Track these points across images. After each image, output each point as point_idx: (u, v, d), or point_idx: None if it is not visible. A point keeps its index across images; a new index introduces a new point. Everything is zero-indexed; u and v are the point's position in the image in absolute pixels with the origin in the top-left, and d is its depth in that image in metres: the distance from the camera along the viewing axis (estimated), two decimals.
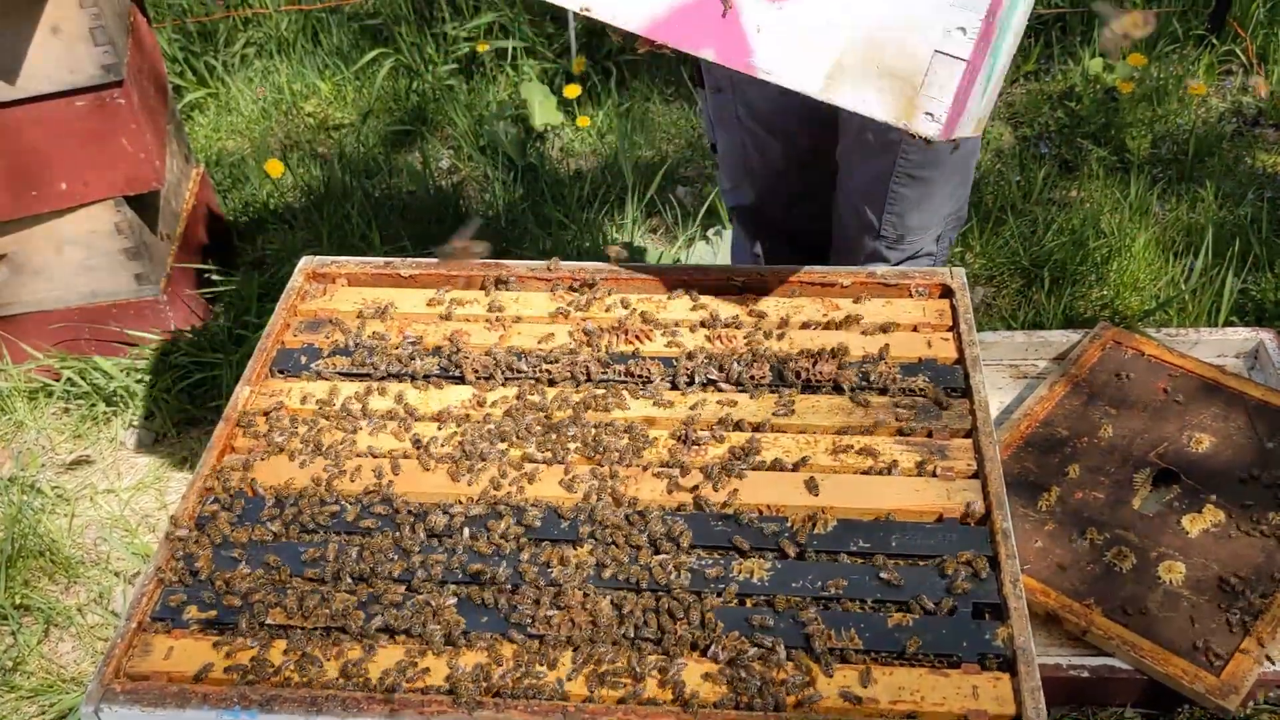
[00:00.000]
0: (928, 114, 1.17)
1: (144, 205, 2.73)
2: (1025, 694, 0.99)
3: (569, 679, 1.04)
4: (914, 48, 1.14)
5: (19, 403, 2.72)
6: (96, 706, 1.01)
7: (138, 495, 2.57)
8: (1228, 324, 2.72)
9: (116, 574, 2.37)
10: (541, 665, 1.04)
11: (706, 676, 1.04)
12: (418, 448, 1.32)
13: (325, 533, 1.18)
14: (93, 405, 2.73)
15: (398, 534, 1.18)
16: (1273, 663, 2.03)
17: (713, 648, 1.05)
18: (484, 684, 1.02)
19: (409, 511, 1.22)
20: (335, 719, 0.99)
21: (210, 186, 3.16)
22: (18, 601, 2.30)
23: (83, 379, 2.73)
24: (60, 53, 2.39)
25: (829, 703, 1.00)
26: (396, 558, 1.15)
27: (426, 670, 1.04)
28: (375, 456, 1.31)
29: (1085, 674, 2.05)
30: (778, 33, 1.18)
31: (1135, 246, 2.91)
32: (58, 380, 2.74)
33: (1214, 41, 3.65)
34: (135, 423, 2.71)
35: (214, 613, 1.10)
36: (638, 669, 1.04)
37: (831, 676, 1.03)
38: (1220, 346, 2.63)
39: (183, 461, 2.63)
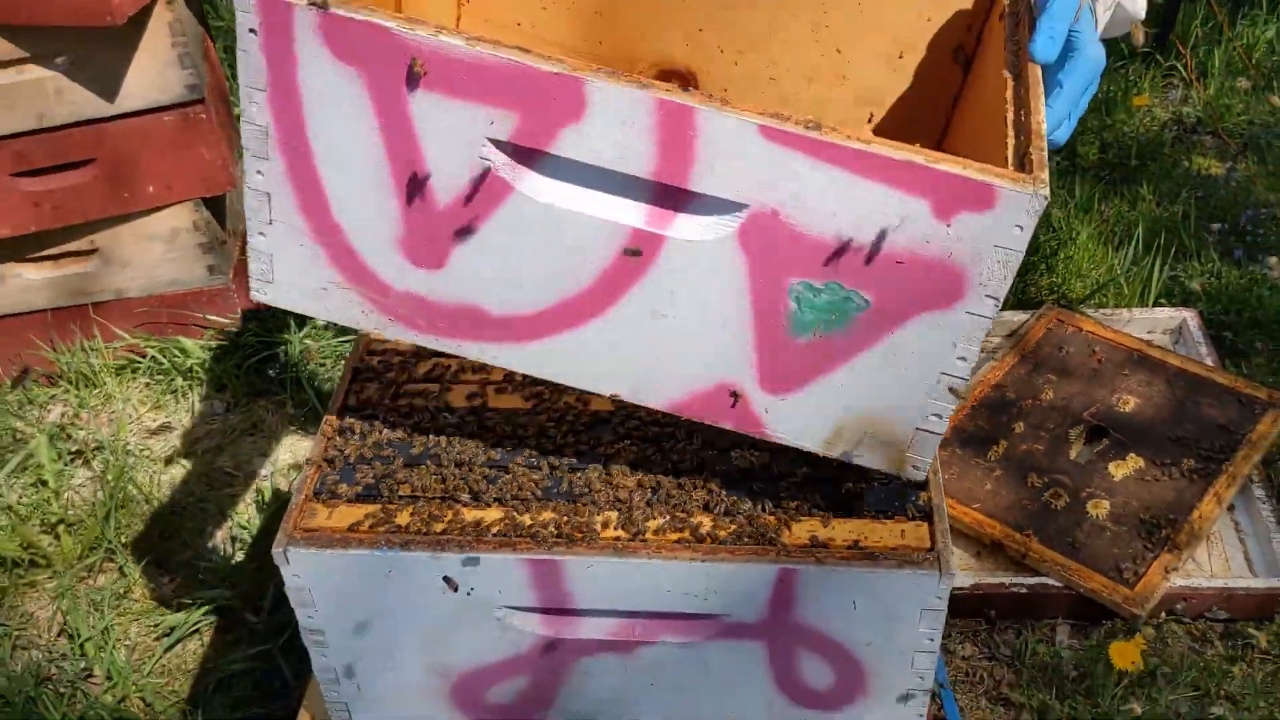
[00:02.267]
0: (914, 467, 1.40)
1: (215, 205, 3.13)
2: (938, 534, 1.39)
3: (617, 527, 1.44)
4: (901, 427, 1.36)
5: (108, 378, 3.12)
6: (284, 549, 1.41)
7: (214, 456, 2.96)
8: (1156, 305, 3.13)
9: (204, 518, 2.77)
10: (597, 520, 1.45)
11: (714, 524, 1.45)
12: (503, 379, 1.71)
13: (437, 435, 1.58)
14: (172, 380, 3.13)
15: (493, 434, 1.58)
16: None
17: (718, 506, 1.46)
18: (555, 531, 1.43)
19: (499, 418, 1.63)
20: (453, 554, 1.39)
21: None
22: (123, 541, 2.70)
23: (163, 356, 3.13)
24: (154, 76, 2.79)
25: (800, 540, 1.41)
26: (492, 449, 1.55)
27: (517, 524, 1.45)
28: (470, 383, 1.71)
29: (1024, 590, 2.45)
30: (784, 414, 1.38)
31: (1080, 239, 3.33)
32: (142, 358, 3.14)
33: (1158, 58, 4.08)
34: (210, 394, 3.11)
35: (359, 488, 1.50)
36: (665, 520, 1.45)
37: (800, 523, 1.44)
38: (1149, 324, 3.03)
39: (252, 426, 3.03)
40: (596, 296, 1.34)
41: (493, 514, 1.44)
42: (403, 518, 1.43)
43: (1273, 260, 3.29)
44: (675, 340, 1.35)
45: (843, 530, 1.40)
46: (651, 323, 1.34)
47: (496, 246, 1.32)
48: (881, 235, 1.22)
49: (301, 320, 3.17)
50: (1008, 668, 2.36)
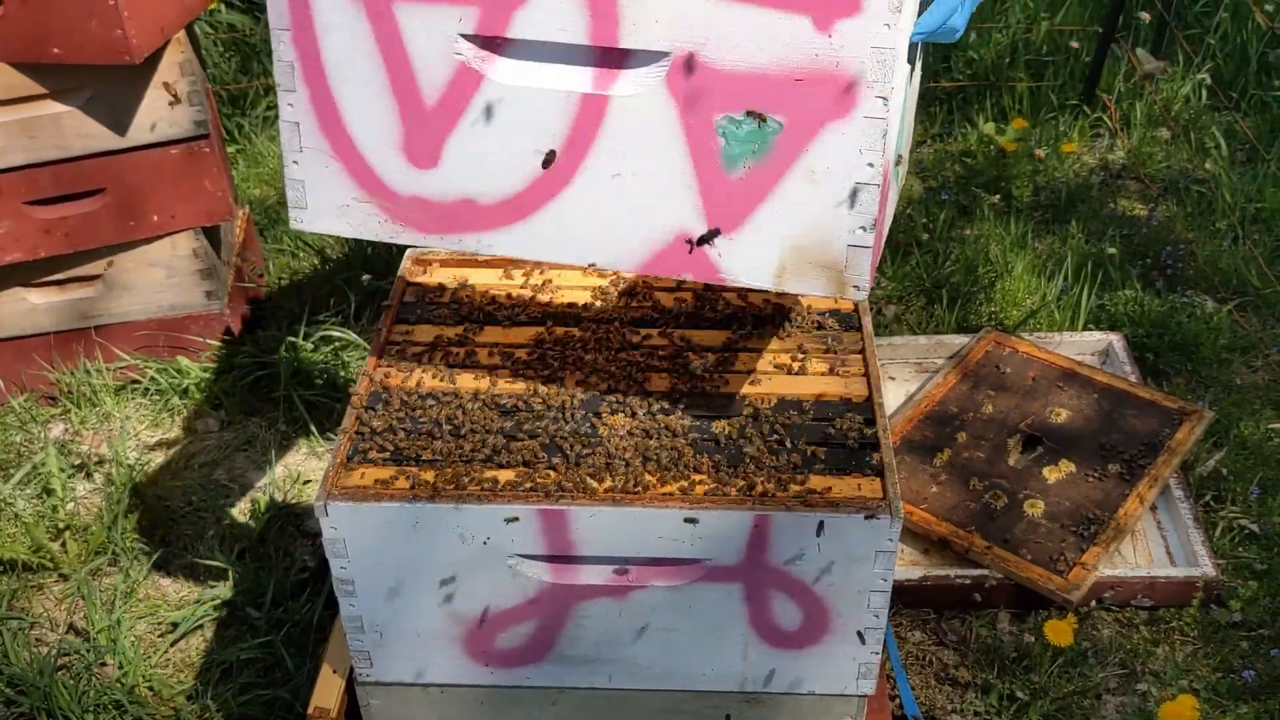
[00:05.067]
0: (855, 287, 1.55)
1: (211, 234, 3.33)
2: (889, 486, 1.63)
3: (615, 485, 1.66)
4: (832, 247, 1.52)
5: (107, 397, 3.29)
6: (325, 503, 1.61)
7: (210, 469, 3.14)
8: (1085, 329, 3.41)
9: (203, 525, 2.94)
10: (596, 479, 1.67)
11: (700, 482, 1.67)
12: (507, 361, 1.93)
13: (454, 409, 1.79)
14: (169, 399, 3.30)
15: (499, 410, 1.80)
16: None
17: (702, 468, 1.68)
18: (560, 487, 1.64)
19: (506, 397, 1.83)
20: (472, 505, 1.60)
21: (253, 223, 3.77)
22: (128, 545, 2.86)
23: (161, 377, 3.31)
24: (164, 111, 3.00)
25: (773, 492, 1.64)
26: (501, 420, 1.76)
27: (525, 482, 1.66)
28: (478, 368, 1.93)
29: (968, 582, 2.68)
30: (733, 254, 1.56)
31: (1015, 271, 3.61)
32: (141, 379, 3.32)
33: (1086, 110, 4.41)
34: (205, 412, 3.28)
35: (387, 454, 1.71)
36: (654, 478, 1.67)
37: (773, 479, 1.66)
38: (1079, 346, 3.30)
39: (246, 442, 3.20)
40: (563, 164, 1.54)
41: (505, 474, 1.65)
42: (426, 476, 1.65)
43: (1190, 292, 3.59)
44: (633, 198, 1.54)
45: (809, 484, 1.63)
46: (611, 184, 1.54)
47: (478, 134, 1.53)
48: (778, 57, 1.41)
49: (294, 342, 3.37)
50: (954, 651, 2.59)
